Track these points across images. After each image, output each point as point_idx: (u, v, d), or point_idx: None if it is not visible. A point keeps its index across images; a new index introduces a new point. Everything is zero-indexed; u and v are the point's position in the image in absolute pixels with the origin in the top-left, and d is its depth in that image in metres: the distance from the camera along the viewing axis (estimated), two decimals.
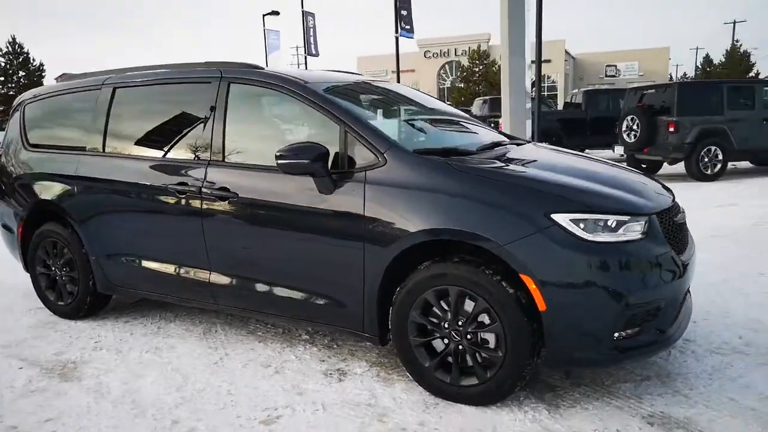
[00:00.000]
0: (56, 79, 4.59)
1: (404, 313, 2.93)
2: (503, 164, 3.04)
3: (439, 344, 2.95)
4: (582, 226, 2.61)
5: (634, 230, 2.69)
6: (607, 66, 59.25)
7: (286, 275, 3.31)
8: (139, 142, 3.89)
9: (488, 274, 2.71)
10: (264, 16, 35.72)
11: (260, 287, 3.40)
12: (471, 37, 53.53)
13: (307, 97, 3.27)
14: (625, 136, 11.61)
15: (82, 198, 4.01)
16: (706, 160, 10.91)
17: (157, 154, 3.77)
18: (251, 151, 3.50)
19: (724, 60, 57.53)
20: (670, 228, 2.92)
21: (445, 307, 2.86)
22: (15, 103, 4.72)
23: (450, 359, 2.91)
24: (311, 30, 30.28)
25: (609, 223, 2.65)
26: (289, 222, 3.21)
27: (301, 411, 2.89)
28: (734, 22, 58.55)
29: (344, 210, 3.02)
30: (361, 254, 2.99)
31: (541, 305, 2.61)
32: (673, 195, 3.29)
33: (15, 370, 3.49)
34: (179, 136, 3.73)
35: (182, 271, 3.68)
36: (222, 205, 3.39)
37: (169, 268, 3.73)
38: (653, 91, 11.82)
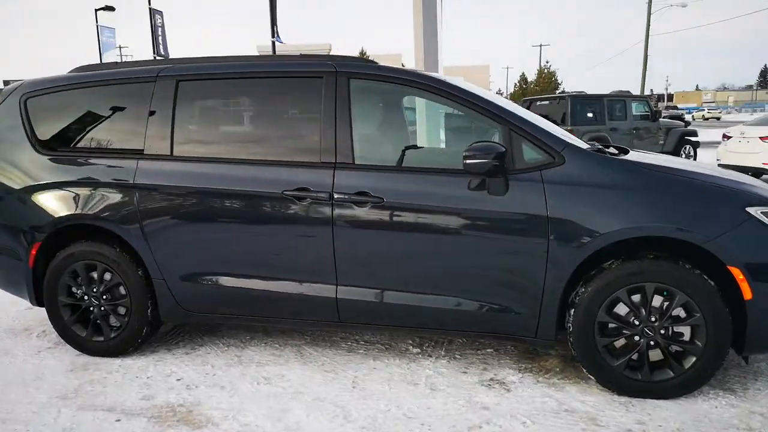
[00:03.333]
0: (73, 71, 3.80)
1: (591, 313, 2.90)
2: (669, 165, 3.15)
3: (619, 342, 2.96)
4: None
5: None
6: None
7: (444, 284, 3.09)
8: (227, 144, 3.38)
9: (689, 269, 2.80)
10: (96, 11, 32.81)
11: (406, 299, 3.14)
12: (311, 47, 53.79)
13: (457, 95, 3.10)
14: None
15: (147, 211, 3.35)
16: None
17: (256, 157, 3.29)
18: (389, 151, 3.23)
19: (536, 78, 64.44)
20: None
21: (634, 304, 2.88)
22: (4, 97, 3.79)
23: (635, 356, 2.93)
24: (159, 29, 28.16)
25: None
26: (451, 226, 3.02)
27: (510, 426, 2.73)
28: (540, 45, 66.02)
29: (522, 211, 2.92)
30: (542, 257, 2.91)
31: (747, 294, 2.75)
32: None
33: (113, 424, 2.82)
34: (285, 137, 3.32)
35: (297, 287, 3.25)
36: (361, 212, 3.07)
37: (280, 286, 3.27)
38: (547, 102, 12.89)
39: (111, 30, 35.11)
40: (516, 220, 2.93)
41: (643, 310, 2.87)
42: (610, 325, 2.93)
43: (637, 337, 2.91)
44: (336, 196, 3.10)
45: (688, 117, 39.15)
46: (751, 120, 11.70)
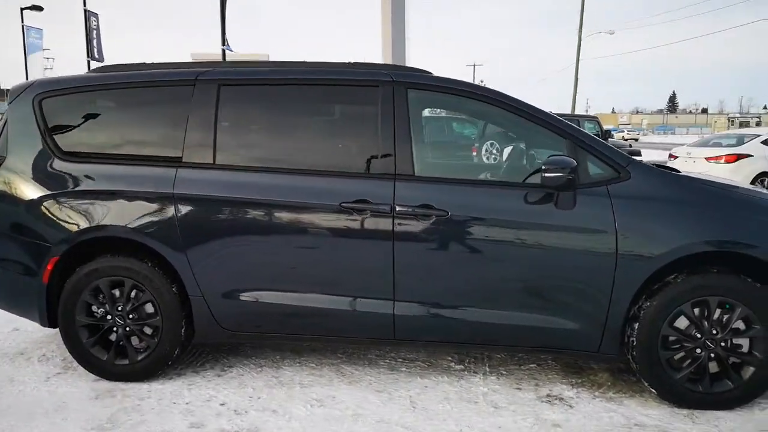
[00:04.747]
0: (94, 71, 3.51)
1: (656, 327, 2.94)
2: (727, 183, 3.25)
3: (679, 355, 3.01)
4: None
5: None
6: None
7: (509, 299, 3.05)
8: (274, 153, 3.21)
9: (750, 282, 2.89)
10: (22, 9, 31.02)
11: (467, 314, 3.07)
12: (251, 56, 53.09)
13: (520, 109, 3.09)
14: (484, 159, 12.75)
15: (187, 223, 3.12)
16: None
17: (306, 167, 3.15)
18: (449, 163, 3.17)
19: None
20: None
21: (697, 318, 2.95)
22: (13, 97, 3.44)
23: (694, 368, 2.99)
24: (94, 32, 26.91)
25: None
26: (517, 241, 2.99)
27: None
28: (474, 65, 68.08)
29: (590, 226, 2.94)
30: (610, 271, 2.93)
31: None
32: None
33: None
34: (337, 146, 3.20)
35: (352, 303, 3.12)
36: (424, 225, 3.00)
37: (332, 302, 3.13)
38: None
39: (38, 31, 33.34)
40: (584, 234, 2.94)
41: (706, 323, 2.94)
42: (671, 339, 2.98)
43: (698, 350, 2.96)
44: (398, 208, 3.00)
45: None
46: (696, 141, 12.47)
